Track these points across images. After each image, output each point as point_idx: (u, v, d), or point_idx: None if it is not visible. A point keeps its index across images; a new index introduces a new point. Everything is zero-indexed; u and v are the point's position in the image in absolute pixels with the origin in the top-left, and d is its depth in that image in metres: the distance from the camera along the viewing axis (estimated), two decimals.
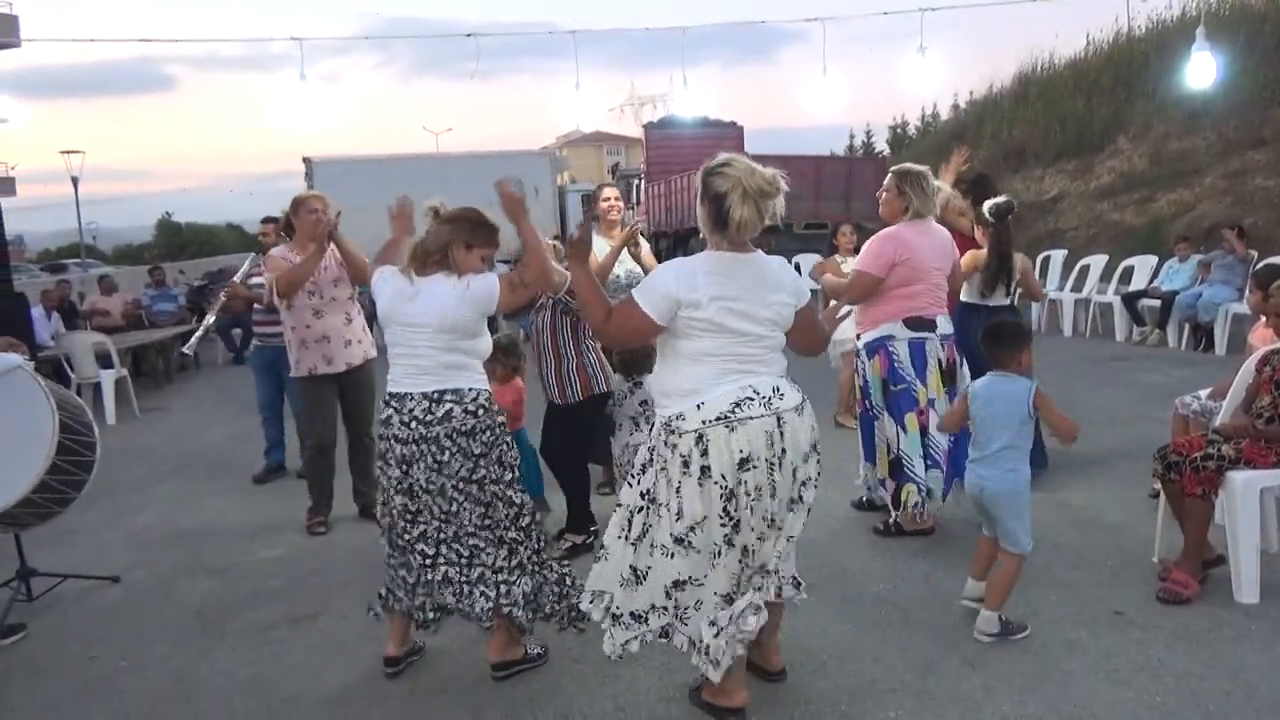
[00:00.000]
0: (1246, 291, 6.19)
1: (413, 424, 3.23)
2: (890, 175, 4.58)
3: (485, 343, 3.47)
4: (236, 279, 6.50)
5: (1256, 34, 16.53)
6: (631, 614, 2.91)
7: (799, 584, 3.18)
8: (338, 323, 5.02)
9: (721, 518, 2.78)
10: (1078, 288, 11.82)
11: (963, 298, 5.22)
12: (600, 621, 3.00)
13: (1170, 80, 16.22)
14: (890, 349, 4.43)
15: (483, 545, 3.29)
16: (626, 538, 2.95)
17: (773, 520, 2.86)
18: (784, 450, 2.82)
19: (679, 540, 2.82)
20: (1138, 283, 11.09)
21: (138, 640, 3.91)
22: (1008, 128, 21.85)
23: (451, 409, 3.24)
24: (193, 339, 6.39)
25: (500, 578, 3.29)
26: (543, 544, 3.44)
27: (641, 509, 2.92)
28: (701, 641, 2.85)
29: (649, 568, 2.89)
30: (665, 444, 2.84)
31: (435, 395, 3.25)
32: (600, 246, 5.38)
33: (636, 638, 2.93)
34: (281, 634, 3.91)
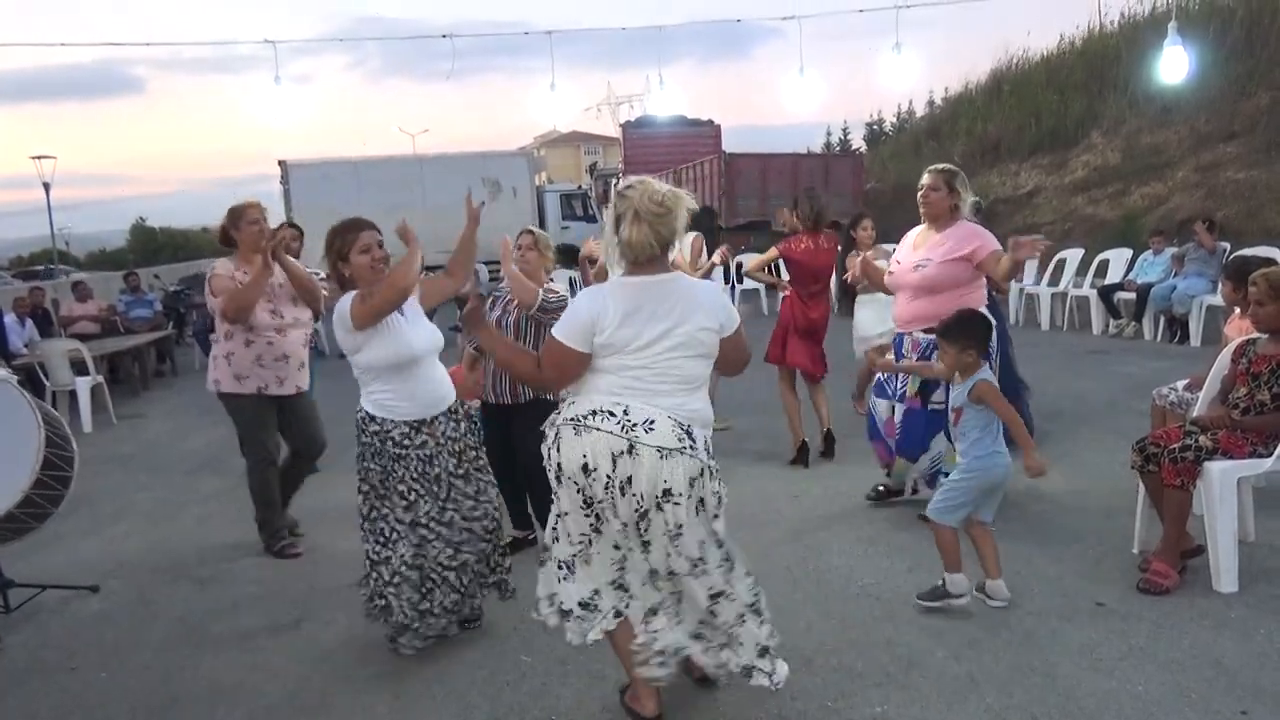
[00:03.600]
0: (1219, 284, 6.27)
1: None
2: (937, 174, 4.59)
3: (365, 357, 3.49)
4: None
5: (1227, 28, 16.75)
6: (580, 604, 2.92)
7: (772, 660, 2.97)
8: (297, 344, 4.86)
9: (584, 509, 2.82)
10: (1054, 281, 11.92)
11: None
12: (556, 623, 2.98)
13: (1142, 75, 16.40)
14: None
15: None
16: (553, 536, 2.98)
17: (653, 569, 2.87)
18: (629, 478, 2.72)
19: (556, 529, 2.94)
20: (1113, 276, 11.20)
21: (118, 650, 3.87)
22: (983, 123, 22.05)
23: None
24: None
25: None
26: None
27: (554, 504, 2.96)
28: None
29: (573, 557, 2.94)
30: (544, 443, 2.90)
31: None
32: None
33: (595, 626, 2.93)
34: (263, 642, 3.87)
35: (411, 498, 3.50)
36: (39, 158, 31.29)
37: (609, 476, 2.72)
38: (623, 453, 2.71)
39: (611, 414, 2.74)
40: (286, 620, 4.06)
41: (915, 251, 4.69)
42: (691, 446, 2.76)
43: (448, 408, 3.62)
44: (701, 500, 2.78)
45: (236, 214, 4.79)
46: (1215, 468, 3.72)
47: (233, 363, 4.75)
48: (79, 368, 9.15)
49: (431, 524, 3.53)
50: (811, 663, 3.35)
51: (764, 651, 2.93)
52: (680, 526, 2.76)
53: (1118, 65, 18.97)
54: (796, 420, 5.99)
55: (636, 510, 2.75)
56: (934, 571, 3.94)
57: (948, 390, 4.47)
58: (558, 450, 2.80)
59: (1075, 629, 3.48)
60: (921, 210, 4.67)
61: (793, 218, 6.23)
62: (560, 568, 2.95)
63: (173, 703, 3.39)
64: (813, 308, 5.97)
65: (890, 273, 4.85)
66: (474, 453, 3.71)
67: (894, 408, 4.71)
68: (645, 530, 2.79)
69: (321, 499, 5.48)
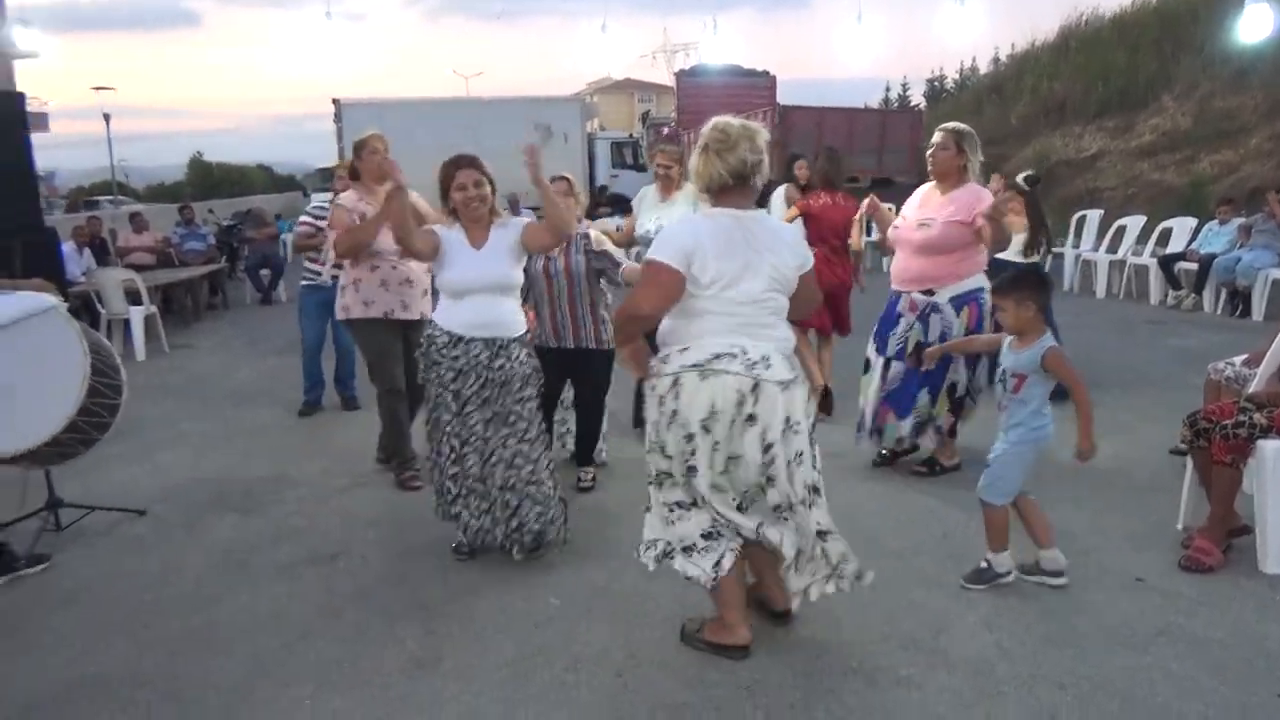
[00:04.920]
0: None
1: None
2: (947, 133, 4.55)
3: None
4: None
5: None
6: (702, 535, 3.05)
7: (843, 574, 3.12)
8: (419, 270, 4.88)
9: (687, 458, 2.91)
10: (1113, 249, 11.60)
11: (1001, 256, 5.99)
12: (654, 566, 3.15)
13: (1219, 35, 15.74)
14: (980, 301, 4.55)
15: None
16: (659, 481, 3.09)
17: (745, 490, 2.98)
18: (752, 416, 2.84)
19: (663, 475, 3.02)
20: (1175, 245, 10.86)
21: (161, 574, 3.98)
22: (1048, 82, 21.33)
23: None
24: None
25: None
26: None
27: (649, 452, 3.06)
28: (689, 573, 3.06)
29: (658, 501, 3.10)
30: (648, 386, 3.00)
31: None
32: (651, 198, 5.46)
33: (724, 550, 3.06)
34: (302, 572, 3.96)
35: (442, 403, 3.78)
36: (99, 89, 31.77)
37: (733, 418, 2.83)
38: (748, 392, 2.82)
39: (733, 355, 2.83)
40: (324, 554, 4.14)
41: (920, 210, 4.68)
42: (800, 376, 2.95)
43: (490, 336, 3.76)
44: (813, 424, 2.97)
45: (359, 145, 4.91)
46: (1268, 446, 3.61)
47: (360, 289, 4.86)
48: (133, 297, 9.33)
49: (461, 434, 3.78)
50: (839, 623, 3.34)
51: (843, 558, 3.08)
52: (800, 454, 2.91)
53: (1194, 24, 18.22)
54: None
55: (763, 446, 2.86)
56: (968, 538, 3.91)
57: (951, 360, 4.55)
58: (676, 398, 2.86)
59: (1111, 603, 3.42)
60: (929, 169, 4.63)
61: (805, 171, 6.38)
62: (670, 510, 3.06)
63: (212, 628, 3.48)
64: (833, 265, 5.94)
65: (895, 227, 4.82)
66: (514, 396, 3.79)
67: (888, 363, 4.73)
68: (771, 465, 2.88)
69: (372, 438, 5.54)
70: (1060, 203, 15.29)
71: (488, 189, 3.83)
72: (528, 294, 4.70)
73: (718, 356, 2.83)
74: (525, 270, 4.54)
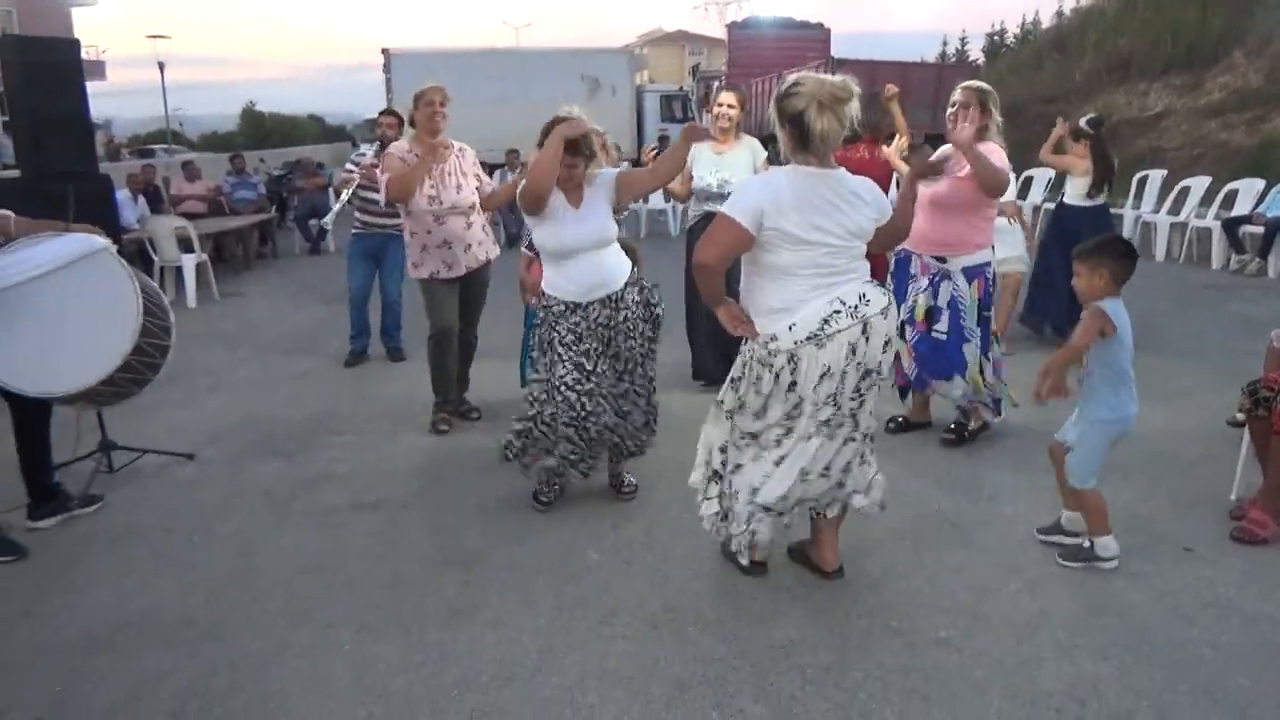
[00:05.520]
0: None
1: None
2: (970, 91, 4.41)
3: (535, 238, 3.91)
4: (361, 165, 6.40)
5: None
6: (779, 498, 3.15)
7: (873, 496, 3.29)
8: (458, 228, 4.92)
9: (787, 420, 3.06)
10: (1175, 211, 11.24)
11: (1067, 201, 6.84)
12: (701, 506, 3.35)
13: None
14: (987, 275, 4.49)
15: None
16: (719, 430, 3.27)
17: (836, 423, 3.07)
18: (866, 353, 2.99)
19: (751, 436, 3.14)
20: (1241, 208, 10.49)
21: (208, 516, 4.06)
22: (1113, 37, 20.58)
23: None
24: (330, 214, 6.38)
25: None
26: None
27: (730, 412, 3.19)
28: (746, 527, 3.16)
29: (713, 447, 3.27)
30: (760, 361, 3.04)
31: None
32: (705, 150, 5.39)
33: (717, 514, 3.29)
34: (344, 518, 4.02)
35: (564, 365, 3.77)
36: (154, 37, 32.04)
37: (844, 370, 2.97)
38: (858, 338, 2.96)
39: (838, 312, 2.94)
40: (367, 500, 4.19)
41: None
42: (891, 297, 3.10)
43: (605, 295, 3.77)
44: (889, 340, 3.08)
45: (417, 96, 4.92)
46: None
47: (413, 251, 5.00)
48: (185, 245, 9.46)
49: (591, 391, 3.77)
50: (878, 583, 3.31)
51: (870, 486, 3.27)
52: (879, 364, 3.05)
53: None
54: None
55: (862, 372, 3.01)
56: (1015, 501, 3.86)
57: (955, 318, 4.45)
58: (793, 370, 2.98)
59: (1159, 573, 3.35)
60: (949, 126, 4.46)
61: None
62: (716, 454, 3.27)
63: (256, 571, 3.55)
64: None
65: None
66: (631, 337, 3.83)
67: (903, 326, 4.60)
68: (865, 389, 3.05)
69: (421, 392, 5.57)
70: (1122, 163, 14.82)
71: (582, 167, 3.77)
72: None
73: (826, 320, 2.93)
74: None
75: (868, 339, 2.97)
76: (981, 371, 4.52)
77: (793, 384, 2.99)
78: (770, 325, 3.00)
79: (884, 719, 2.58)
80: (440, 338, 5.08)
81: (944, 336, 4.49)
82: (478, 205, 5.02)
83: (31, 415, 3.94)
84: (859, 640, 2.96)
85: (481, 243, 5.06)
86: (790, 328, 2.95)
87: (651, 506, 4.01)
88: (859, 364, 2.99)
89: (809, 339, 2.93)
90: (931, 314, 4.50)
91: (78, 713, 2.69)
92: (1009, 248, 6.04)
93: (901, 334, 4.57)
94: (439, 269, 4.96)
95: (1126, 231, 11.24)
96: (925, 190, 4.37)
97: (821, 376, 2.96)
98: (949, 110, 4.46)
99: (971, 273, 4.46)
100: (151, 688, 2.79)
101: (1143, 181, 12.17)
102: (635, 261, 4.02)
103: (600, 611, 3.17)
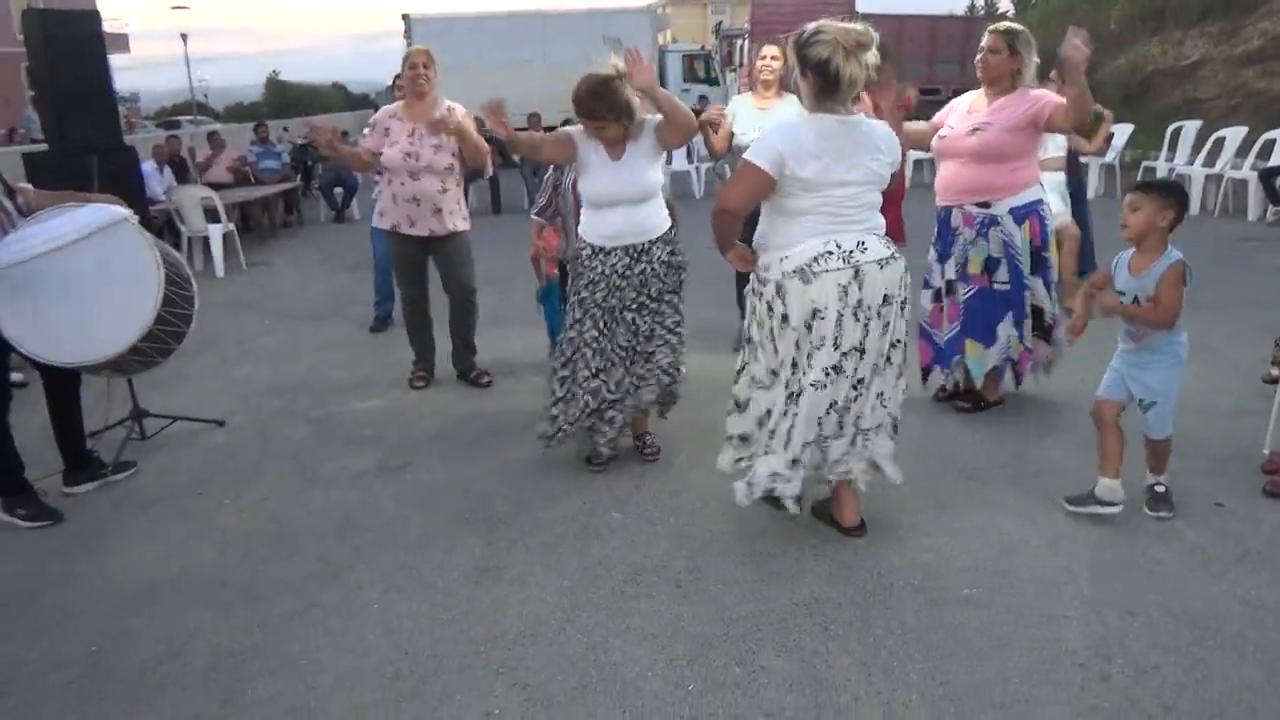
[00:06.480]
0: None
1: None
2: (999, 35, 4.15)
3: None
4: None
5: None
6: (739, 436, 3.34)
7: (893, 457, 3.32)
8: (431, 189, 4.98)
9: (795, 360, 3.11)
10: (1209, 162, 10.98)
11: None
12: (727, 448, 3.40)
13: None
14: (1041, 212, 4.29)
15: None
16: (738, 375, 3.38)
17: (859, 379, 3.11)
18: (860, 301, 3.02)
19: (767, 375, 3.20)
20: (1279, 159, 10.24)
21: (238, 481, 4.13)
22: None
23: None
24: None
25: None
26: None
27: (744, 350, 3.33)
28: (779, 472, 3.18)
29: (748, 399, 3.30)
30: (754, 292, 3.21)
31: None
32: (747, 105, 5.33)
33: (741, 459, 3.35)
34: (370, 481, 4.06)
35: (584, 317, 3.84)
36: (176, 8, 32.05)
37: (839, 311, 3.01)
38: (849, 281, 3.00)
39: (830, 253, 3.00)
40: (393, 464, 4.24)
41: (970, 116, 4.29)
42: (896, 253, 3.11)
43: (629, 244, 3.79)
44: (904, 300, 3.13)
45: (405, 59, 5.08)
46: None
47: (380, 200, 5.16)
48: (212, 215, 9.53)
49: (604, 350, 3.85)
50: (903, 542, 3.30)
51: (888, 458, 3.29)
52: (887, 326, 3.09)
53: None
54: None
55: (864, 322, 3.04)
56: (1042, 459, 3.83)
57: (1012, 264, 4.23)
58: (783, 302, 3.07)
59: (1188, 527, 3.32)
60: (979, 74, 4.27)
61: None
62: (734, 402, 3.36)
63: (286, 534, 3.61)
64: None
65: (941, 138, 4.41)
66: (649, 295, 3.84)
67: (940, 295, 4.45)
68: (864, 341, 3.07)
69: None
70: (1156, 115, 14.51)
71: (613, 128, 3.70)
72: (553, 213, 4.66)
73: (816, 259, 3.00)
74: (555, 186, 4.53)
75: (860, 285, 3.01)
76: (1039, 321, 4.36)
77: (785, 317, 3.07)
78: (765, 258, 3.15)
79: (907, 675, 2.58)
80: (411, 305, 5.30)
81: (1007, 286, 4.26)
82: (455, 170, 5.07)
83: (62, 384, 4.01)
84: (882, 597, 2.96)
85: (453, 212, 5.11)
86: (781, 260, 3.06)
87: (675, 467, 4.02)
88: (854, 309, 3.02)
89: (795, 272, 3.02)
90: (990, 265, 4.28)
91: (114, 671, 2.75)
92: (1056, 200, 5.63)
93: (949, 293, 4.42)
94: (400, 222, 5.06)
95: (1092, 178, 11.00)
96: (969, 140, 4.21)
97: (814, 314, 3.01)
98: (978, 56, 4.25)
99: (1020, 213, 4.22)
100: (185, 646, 2.85)
101: (1177, 133, 11.90)
102: (674, 222, 4.00)
103: (624, 571, 3.19)
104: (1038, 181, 4.30)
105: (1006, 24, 4.30)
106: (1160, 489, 3.43)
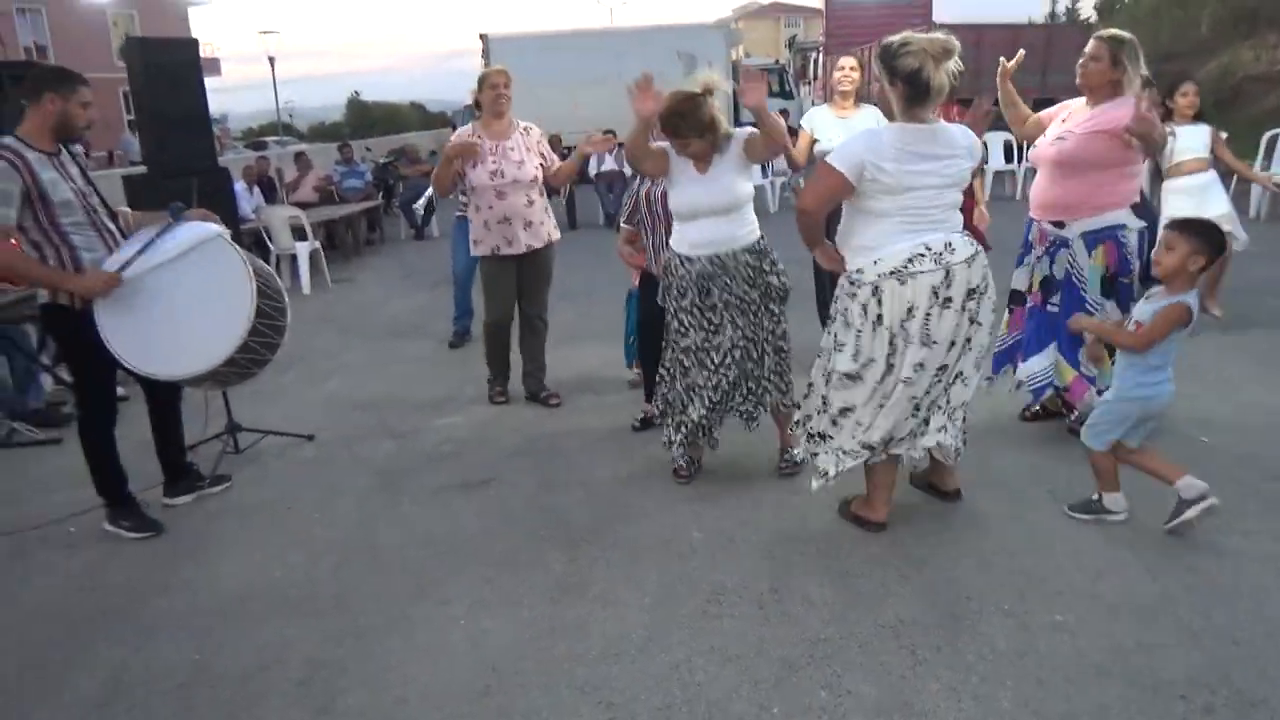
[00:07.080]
0: None
1: None
2: (1102, 43, 3.97)
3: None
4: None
5: None
6: (819, 434, 3.49)
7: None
8: (519, 204, 5.04)
9: (886, 359, 3.24)
10: None
11: None
12: (804, 442, 3.60)
13: None
14: (1121, 239, 4.03)
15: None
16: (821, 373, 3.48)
17: (941, 367, 3.25)
18: (949, 298, 3.15)
19: (851, 375, 3.32)
20: None
21: (327, 494, 4.24)
22: None
23: None
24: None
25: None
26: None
27: (826, 352, 3.45)
28: (841, 459, 3.41)
29: (825, 396, 3.43)
30: (847, 294, 3.32)
31: None
32: (827, 116, 5.38)
33: (817, 453, 3.51)
34: (453, 497, 4.14)
35: (676, 324, 3.94)
36: (265, 33, 33.19)
37: (928, 311, 3.15)
38: (940, 282, 3.14)
39: (923, 255, 3.14)
40: (476, 479, 4.31)
41: (1062, 125, 4.14)
42: (978, 249, 3.25)
43: (712, 254, 3.82)
44: (986, 289, 3.24)
45: (481, 79, 5.13)
46: None
47: (472, 228, 5.19)
48: (299, 234, 9.83)
49: (692, 351, 3.92)
50: (990, 564, 3.24)
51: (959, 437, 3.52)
52: (973, 319, 3.23)
53: None
54: None
55: (951, 317, 3.17)
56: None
57: (1070, 292, 4.08)
58: (879, 303, 3.20)
59: None
60: (1079, 81, 4.07)
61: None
62: (821, 401, 3.45)
63: (374, 548, 3.70)
64: None
65: (1034, 146, 4.30)
66: (737, 296, 3.85)
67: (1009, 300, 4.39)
68: (952, 333, 3.20)
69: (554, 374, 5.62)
70: (1249, 121, 14.00)
71: (697, 144, 3.74)
72: (638, 221, 4.66)
73: (910, 260, 3.13)
74: (646, 196, 4.51)
75: (950, 284, 3.14)
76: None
77: (879, 317, 3.19)
78: (857, 259, 3.27)
79: (999, 702, 2.53)
80: (495, 327, 5.31)
81: (1056, 309, 4.14)
82: (540, 181, 5.12)
83: (163, 398, 4.17)
84: (970, 621, 2.91)
85: (543, 223, 5.16)
86: (875, 262, 3.18)
87: (754, 485, 4.01)
88: (943, 306, 3.15)
89: (892, 274, 3.15)
90: (1047, 285, 4.19)
91: (217, 679, 2.85)
92: (1199, 210, 5.21)
93: (1015, 301, 4.37)
94: (499, 244, 5.09)
95: (1254, 195, 10.62)
96: (1051, 149, 4.09)
97: (909, 311, 3.16)
98: (1079, 61, 4.04)
99: (1093, 238, 4.03)
100: (281, 655, 2.94)
101: (1273, 141, 11.45)
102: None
103: (706, 589, 3.19)
104: (1124, 206, 4.05)
105: (1113, 31, 4.11)
106: (1093, 495, 3.52)
